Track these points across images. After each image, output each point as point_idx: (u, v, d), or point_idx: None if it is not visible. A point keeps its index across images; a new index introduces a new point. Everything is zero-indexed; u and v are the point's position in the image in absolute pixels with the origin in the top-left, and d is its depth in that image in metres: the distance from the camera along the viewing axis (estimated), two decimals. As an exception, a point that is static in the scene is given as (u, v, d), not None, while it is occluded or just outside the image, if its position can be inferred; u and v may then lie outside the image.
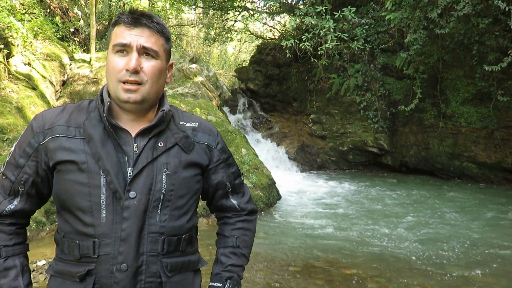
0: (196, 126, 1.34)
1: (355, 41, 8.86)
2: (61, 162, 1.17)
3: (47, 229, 4.86)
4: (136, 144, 1.20)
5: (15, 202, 1.22)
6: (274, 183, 7.00)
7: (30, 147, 1.21)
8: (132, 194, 1.16)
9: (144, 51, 1.18)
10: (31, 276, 3.41)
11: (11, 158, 1.24)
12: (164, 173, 1.20)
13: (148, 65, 1.19)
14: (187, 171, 1.26)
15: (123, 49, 1.17)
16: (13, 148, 1.25)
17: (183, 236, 1.25)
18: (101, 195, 1.15)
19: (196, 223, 1.35)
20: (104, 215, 1.15)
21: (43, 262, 3.78)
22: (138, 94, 1.18)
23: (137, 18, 1.18)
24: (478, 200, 7.54)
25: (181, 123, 1.31)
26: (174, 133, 1.26)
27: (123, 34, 1.17)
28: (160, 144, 1.22)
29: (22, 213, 1.24)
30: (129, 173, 1.17)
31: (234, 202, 1.43)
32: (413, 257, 4.56)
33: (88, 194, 1.15)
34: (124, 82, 1.16)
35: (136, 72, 1.16)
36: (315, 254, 4.55)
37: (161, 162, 1.21)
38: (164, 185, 1.20)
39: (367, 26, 9.24)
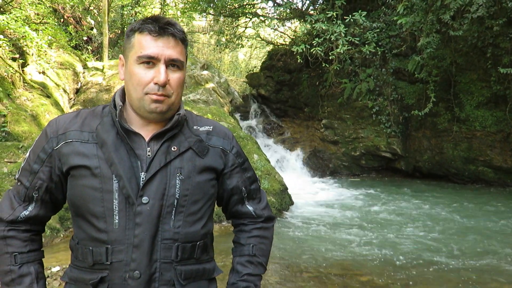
0: (211, 129, 1.31)
1: (366, 45, 8.81)
2: (75, 167, 1.16)
3: (61, 235, 4.89)
4: (149, 148, 1.18)
5: (30, 208, 1.21)
6: (287, 188, 6.96)
7: (44, 152, 1.20)
8: (144, 199, 1.14)
9: (170, 63, 1.17)
10: (46, 282, 3.43)
11: (25, 164, 1.23)
12: (177, 178, 1.18)
13: (174, 77, 1.18)
14: (201, 175, 1.23)
15: (150, 60, 1.15)
16: (27, 154, 1.25)
17: (198, 243, 1.23)
18: (114, 200, 1.14)
19: (211, 230, 1.31)
20: (116, 221, 1.14)
21: (58, 268, 3.80)
22: (165, 105, 1.17)
23: (163, 27, 1.16)
24: (495, 205, 7.40)
25: (195, 127, 1.29)
26: (187, 137, 1.24)
27: (148, 44, 1.15)
28: (174, 148, 1.20)
29: (37, 220, 1.23)
30: (142, 178, 1.15)
31: (250, 208, 1.39)
32: (429, 265, 4.47)
33: (101, 200, 1.14)
34: (151, 94, 1.15)
35: (163, 85, 1.15)
36: (329, 260, 4.50)
37: (174, 166, 1.19)
38: (177, 190, 1.18)
39: (378, 30, 9.19)
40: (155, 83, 1.14)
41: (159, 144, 1.19)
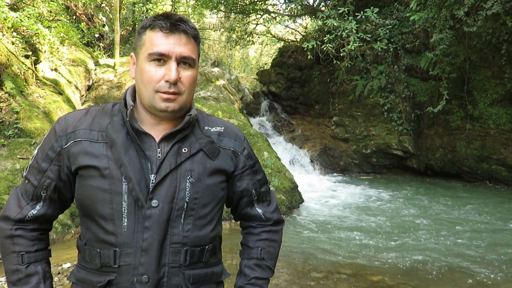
0: (222, 130, 1.29)
1: (378, 42, 8.72)
2: (83, 167, 1.15)
3: (73, 231, 4.93)
4: (160, 150, 1.16)
5: (38, 207, 1.20)
6: (297, 186, 6.94)
7: (52, 151, 1.18)
8: (154, 202, 1.12)
9: (181, 60, 1.14)
10: (56, 279, 3.45)
11: (33, 162, 1.21)
12: (188, 181, 1.16)
13: (186, 75, 1.16)
14: (212, 178, 1.21)
15: (160, 58, 1.13)
16: (35, 151, 1.23)
17: (207, 246, 1.21)
18: (123, 202, 1.12)
19: (220, 233, 1.30)
20: (125, 224, 1.12)
21: (68, 264, 3.83)
22: (176, 103, 1.15)
23: (175, 24, 1.14)
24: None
25: (206, 127, 1.27)
26: (198, 138, 1.22)
27: (160, 41, 1.12)
28: (184, 150, 1.18)
29: (44, 218, 1.22)
30: (152, 180, 1.13)
31: (260, 211, 1.36)
32: (440, 265, 4.42)
33: (109, 201, 1.12)
34: (162, 92, 1.13)
35: (175, 83, 1.13)
36: (339, 259, 4.47)
37: (184, 169, 1.17)
38: (187, 193, 1.16)
39: (390, 27, 9.09)
40: (166, 81, 1.12)
41: (169, 146, 1.17)
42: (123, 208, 1.11)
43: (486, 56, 8.63)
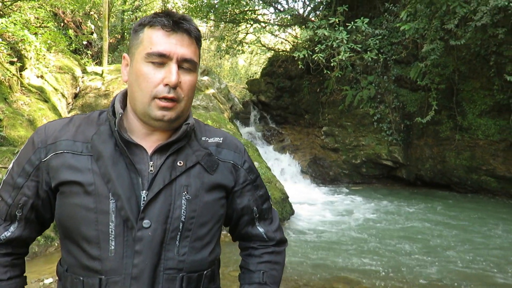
0: (221, 141, 1.16)
1: (368, 52, 8.73)
2: (65, 183, 1.00)
3: (56, 244, 4.75)
4: (152, 163, 1.03)
5: (12, 229, 1.05)
6: (288, 197, 6.83)
7: (30, 164, 1.04)
8: (146, 223, 0.98)
9: (182, 63, 1.02)
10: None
11: (8, 177, 1.07)
12: (183, 197, 1.03)
13: (186, 79, 1.04)
14: (210, 194, 1.08)
15: (161, 60, 1.00)
16: (11, 165, 1.08)
17: (205, 272, 1.08)
18: (110, 223, 0.98)
19: (219, 255, 1.17)
20: (112, 247, 0.98)
21: (50, 280, 3.66)
22: (174, 112, 1.02)
23: (177, 22, 1.02)
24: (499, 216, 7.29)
25: (203, 138, 1.14)
26: (195, 150, 1.09)
27: (160, 40, 1.00)
28: (180, 163, 1.05)
29: (19, 241, 1.08)
30: (143, 197, 1.00)
31: (261, 230, 1.24)
32: (433, 277, 4.35)
33: (94, 222, 0.98)
34: (160, 99, 1.01)
35: (174, 87, 1.01)
36: (333, 272, 4.37)
37: (180, 184, 1.04)
38: (183, 212, 1.02)
39: (380, 37, 9.13)
40: (166, 84, 1.00)
41: (163, 158, 1.04)
42: (110, 230, 0.98)
43: (475, 67, 8.70)
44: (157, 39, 1.01)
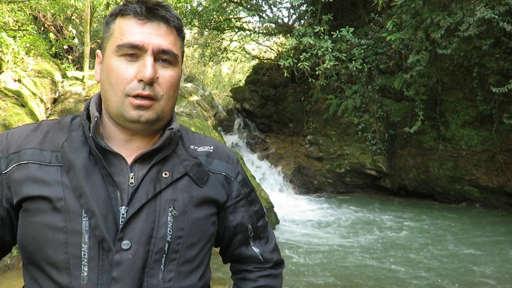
0: (211, 151, 1.03)
1: (353, 62, 8.74)
2: (30, 198, 0.85)
3: (30, 256, 4.52)
4: (132, 174, 0.89)
5: None
6: (273, 206, 6.71)
7: None
8: (125, 244, 0.84)
9: (160, 56, 0.89)
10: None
11: None
12: (169, 214, 0.89)
13: (165, 75, 0.90)
14: (200, 210, 0.94)
15: (133, 52, 0.87)
16: None
17: None
18: (83, 245, 0.83)
19: (209, 280, 1.02)
20: (85, 274, 0.82)
21: (23, 295, 3.44)
22: (152, 111, 0.88)
23: (152, 9, 0.88)
24: (482, 226, 7.31)
25: (191, 146, 1.01)
26: (183, 159, 0.95)
27: (132, 30, 0.87)
28: (165, 174, 0.91)
29: None
30: (122, 214, 0.86)
31: (257, 250, 1.09)
32: (421, 284, 4.28)
33: (64, 244, 0.83)
34: (134, 96, 0.87)
35: (151, 83, 0.87)
36: (320, 284, 4.25)
37: (165, 198, 0.90)
38: (169, 231, 0.88)
39: (365, 47, 9.16)
40: (139, 80, 0.86)
41: (145, 169, 0.90)
42: (83, 253, 0.83)
43: (458, 78, 8.78)
44: (129, 29, 0.87)
